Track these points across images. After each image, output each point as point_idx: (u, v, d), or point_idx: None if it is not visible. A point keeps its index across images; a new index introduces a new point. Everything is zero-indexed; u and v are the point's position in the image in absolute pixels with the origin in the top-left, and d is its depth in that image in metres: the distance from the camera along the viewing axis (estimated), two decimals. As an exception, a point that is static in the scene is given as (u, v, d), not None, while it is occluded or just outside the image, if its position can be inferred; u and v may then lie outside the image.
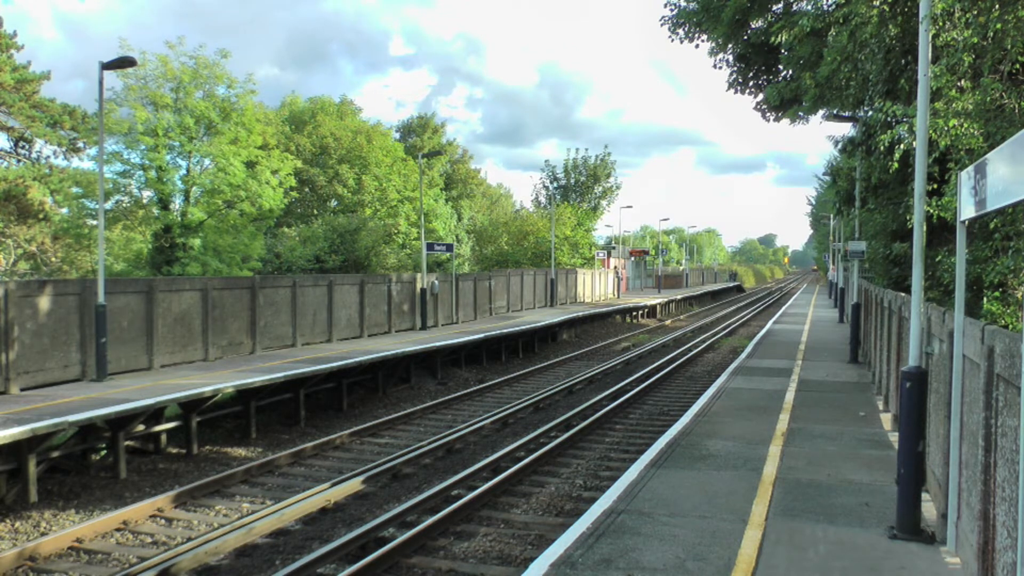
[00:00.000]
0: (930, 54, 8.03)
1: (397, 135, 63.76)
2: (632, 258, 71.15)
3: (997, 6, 9.15)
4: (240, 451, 15.44)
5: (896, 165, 11.27)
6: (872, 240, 23.48)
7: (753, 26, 18.56)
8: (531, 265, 47.71)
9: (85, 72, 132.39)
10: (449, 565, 9.01)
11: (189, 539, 9.90)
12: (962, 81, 10.05)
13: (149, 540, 10.22)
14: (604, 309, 42.42)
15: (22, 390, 14.74)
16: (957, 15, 9.67)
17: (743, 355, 23.23)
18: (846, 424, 12.89)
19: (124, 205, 30.67)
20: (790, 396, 15.58)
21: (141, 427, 14.25)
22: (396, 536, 9.73)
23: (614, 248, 62.06)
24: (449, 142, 69.21)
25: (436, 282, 29.98)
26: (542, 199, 69.10)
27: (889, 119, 11.30)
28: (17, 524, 11.04)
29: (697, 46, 19.84)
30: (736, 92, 20.73)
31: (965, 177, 6.37)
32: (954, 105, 9.53)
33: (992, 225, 9.90)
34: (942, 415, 7.70)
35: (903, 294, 12.53)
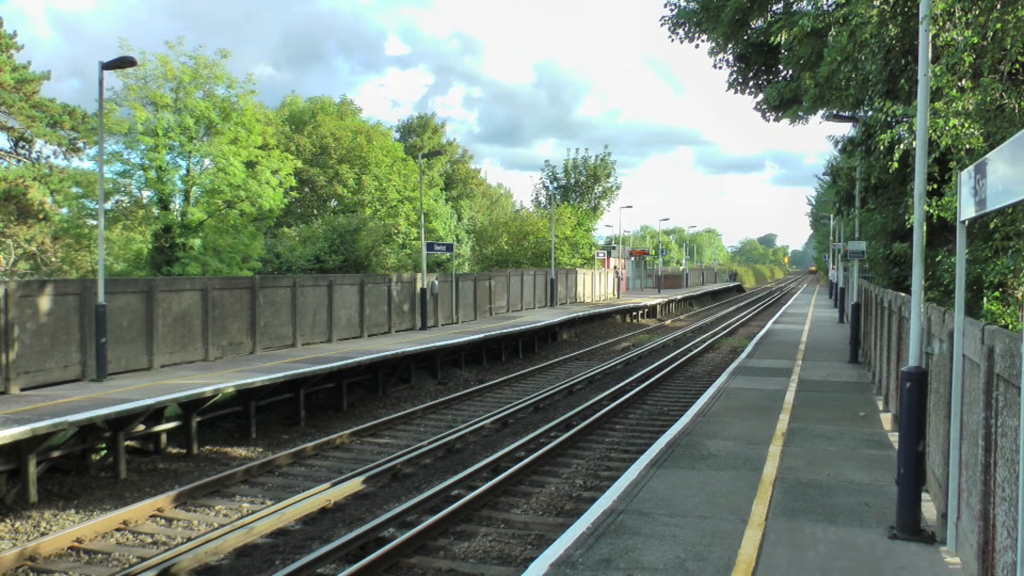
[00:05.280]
0: (930, 54, 8.03)
1: (397, 135, 63.75)
2: (632, 258, 71.18)
3: (997, 6, 9.15)
4: (240, 451, 15.44)
5: (896, 165, 11.27)
6: (872, 240, 23.49)
7: (753, 26, 18.55)
8: (531, 265, 47.71)
9: (80, 70, 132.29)
10: (449, 565, 9.01)
11: (189, 539, 9.90)
12: (962, 81, 10.05)
13: (149, 540, 10.22)
14: (604, 309, 42.42)
15: (22, 390, 14.73)
16: (957, 15, 9.67)
17: (743, 355, 23.23)
18: (846, 424, 12.89)
19: (124, 205, 30.61)
20: (790, 396, 15.58)
21: (141, 427, 14.25)
22: (396, 536, 9.73)
23: (614, 248, 62.07)
24: (449, 142, 69.23)
25: (436, 282, 29.97)
26: (542, 199, 69.14)
27: (889, 119, 11.30)
28: (17, 524, 11.04)
29: (697, 46, 19.83)
30: (736, 92, 20.73)
31: (965, 177, 6.37)
32: (954, 105, 9.53)
33: (992, 225, 9.90)
34: (942, 415, 7.70)
35: (903, 294, 12.54)
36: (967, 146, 9.46)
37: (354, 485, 12.11)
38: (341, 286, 24.58)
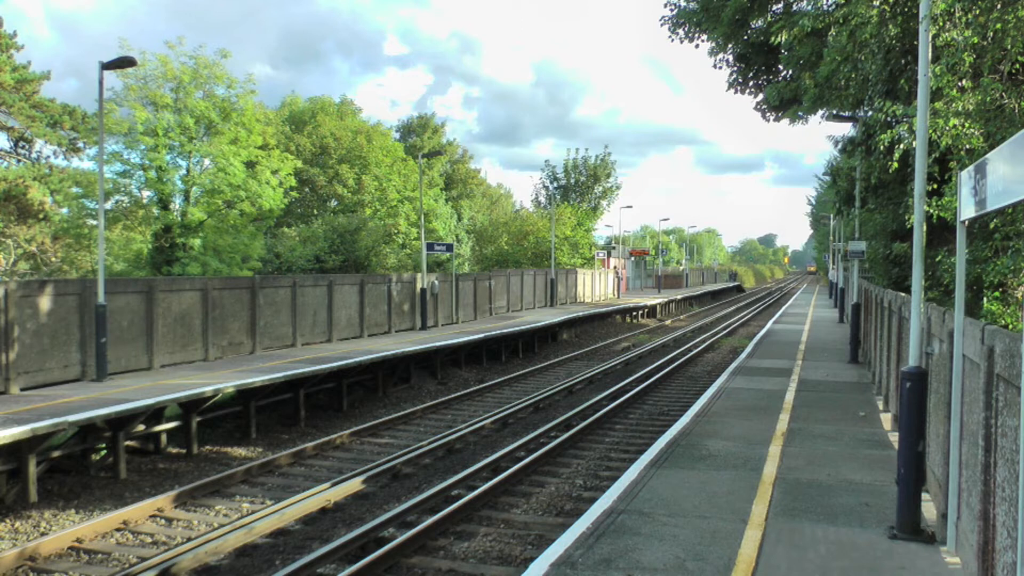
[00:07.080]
0: (930, 54, 8.03)
1: (397, 135, 63.73)
2: (632, 258, 71.17)
3: (997, 6, 9.15)
4: (240, 451, 15.44)
5: (896, 165, 11.28)
6: (872, 240, 23.51)
7: (753, 26, 18.58)
8: (531, 265, 47.70)
9: (79, 70, 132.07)
10: (449, 565, 9.01)
11: (189, 539, 9.90)
12: (962, 81, 10.05)
13: (149, 540, 10.22)
14: (604, 309, 42.41)
15: (22, 390, 14.73)
16: (957, 15, 9.68)
17: (743, 355, 23.22)
18: (846, 424, 12.88)
19: (124, 205, 30.61)
20: (790, 396, 15.58)
21: (141, 427, 14.25)
22: (396, 536, 9.73)
23: (614, 248, 62.06)
24: (449, 142, 69.21)
25: (436, 282, 29.97)
26: (542, 199, 69.18)
27: (889, 119, 11.30)
28: (17, 524, 11.04)
29: (697, 46, 19.87)
30: (736, 92, 20.77)
31: (965, 177, 6.37)
32: (954, 105, 9.53)
33: (992, 225, 9.90)
34: (942, 415, 7.70)
35: (903, 294, 12.53)
36: (967, 146, 9.46)
37: (354, 485, 12.11)
38: (341, 286, 24.58)
